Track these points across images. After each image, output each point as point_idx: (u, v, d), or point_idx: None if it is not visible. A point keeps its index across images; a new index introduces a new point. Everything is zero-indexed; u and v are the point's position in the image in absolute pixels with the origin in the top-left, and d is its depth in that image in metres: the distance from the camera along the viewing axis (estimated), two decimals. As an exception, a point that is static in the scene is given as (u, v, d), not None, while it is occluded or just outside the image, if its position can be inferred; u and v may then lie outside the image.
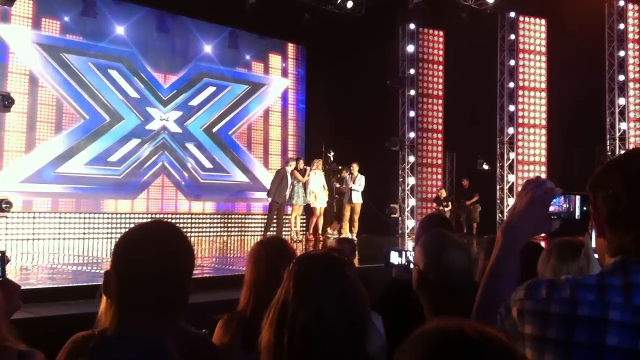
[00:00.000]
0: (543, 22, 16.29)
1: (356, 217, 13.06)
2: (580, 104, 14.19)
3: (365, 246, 10.41)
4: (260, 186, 14.96)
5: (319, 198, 12.58)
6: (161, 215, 13.10)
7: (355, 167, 13.05)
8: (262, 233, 12.95)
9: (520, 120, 16.04)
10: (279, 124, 16.08)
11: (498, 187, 16.15)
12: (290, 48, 16.38)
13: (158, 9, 13.77)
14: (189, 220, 14.04)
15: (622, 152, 10.73)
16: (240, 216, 15.07)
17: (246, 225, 15.03)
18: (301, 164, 12.70)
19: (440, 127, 16.56)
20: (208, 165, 14.66)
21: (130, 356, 1.24)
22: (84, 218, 12.63)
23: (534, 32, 16.29)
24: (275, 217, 12.45)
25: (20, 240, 11.35)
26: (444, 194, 15.80)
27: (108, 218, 12.95)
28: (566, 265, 2.26)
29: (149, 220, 2.04)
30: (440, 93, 16.57)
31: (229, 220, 14.83)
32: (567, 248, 2.31)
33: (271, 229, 12.29)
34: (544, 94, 16.16)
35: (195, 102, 14.52)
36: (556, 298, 1.25)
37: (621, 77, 15.14)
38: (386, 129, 16.05)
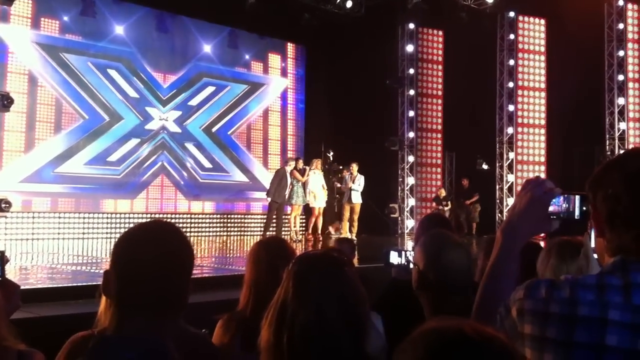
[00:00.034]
0: (542, 22, 16.30)
1: (356, 217, 13.05)
2: (580, 104, 14.20)
3: (364, 246, 10.42)
4: (259, 186, 14.96)
5: (318, 198, 12.57)
6: (160, 215, 13.10)
7: (354, 167, 13.05)
8: (261, 233, 12.95)
9: (519, 120, 16.05)
10: (278, 124, 16.08)
11: (497, 187, 16.16)
12: (290, 48, 16.38)
13: (157, 9, 13.77)
14: (189, 220, 14.04)
15: (622, 151, 10.74)
16: (239, 216, 15.07)
17: (245, 225, 15.03)
18: (300, 164, 12.70)
19: (439, 127, 16.57)
20: (207, 165, 14.66)
21: (129, 356, 1.23)
22: (84, 218, 12.62)
23: (533, 32, 16.29)
24: (274, 217, 12.44)
25: (20, 240, 11.34)
26: (443, 193, 15.80)
27: (107, 218, 12.95)
28: (566, 265, 2.26)
29: (148, 220, 2.04)
30: (440, 93, 16.57)
31: (229, 220, 14.84)
32: (567, 248, 2.31)
33: (270, 228, 12.29)
34: (543, 94, 16.17)
35: (194, 101, 14.52)
36: (556, 298, 1.25)
37: (620, 77, 15.15)
38: (386, 128, 16.05)
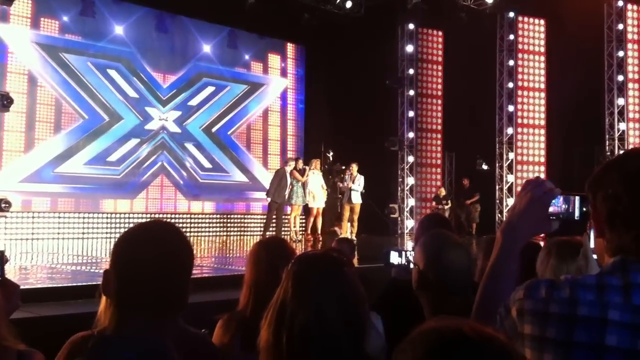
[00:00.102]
0: (542, 22, 16.30)
1: (355, 217, 13.05)
2: (580, 104, 14.19)
3: (364, 246, 10.42)
4: (259, 186, 14.96)
5: (317, 198, 12.57)
6: (160, 215, 13.10)
7: (354, 167, 13.05)
8: (261, 233, 12.95)
9: (519, 121, 16.05)
10: (278, 124, 16.08)
11: (497, 187, 16.16)
12: (290, 48, 16.38)
13: (157, 9, 13.77)
14: (188, 220, 14.04)
15: (622, 152, 10.75)
16: (239, 216, 15.07)
17: (245, 225, 15.03)
18: (300, 164, 12.69)
19: (439, 127, 16.57)
20: (207, 165, 14.66)
21: (129, 356, 1.23)
22: (83, 218, 12.62)
23: (533, 33, 16.30)
24: (274, 217, 12.44)
25: (20, 239, 11.34)
26: (443, 192, 15.79)
27: (107, 218, 12.95)
28: (566, 265, 2.26)
29: (148, 220, 2.04)
30: (440, 93, 16.57)
31: (228, 220, 14.83)
32: (566, 248, 2.32)
33: (270, 228, 12.28)
34: (543, 94, 16.17)
35: (194, 102, 14.52)
36: (556, 298, 1.25)
37: (620, 78, 15.15)
38: (385, 129, 16.05)
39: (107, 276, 1.51)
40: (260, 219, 14.25)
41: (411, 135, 16.34)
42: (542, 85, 16.18)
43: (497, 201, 16.10)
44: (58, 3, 12.55)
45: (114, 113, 13.24)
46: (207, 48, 14.72)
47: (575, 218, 1.47)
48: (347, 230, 13.00)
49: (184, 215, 14.04)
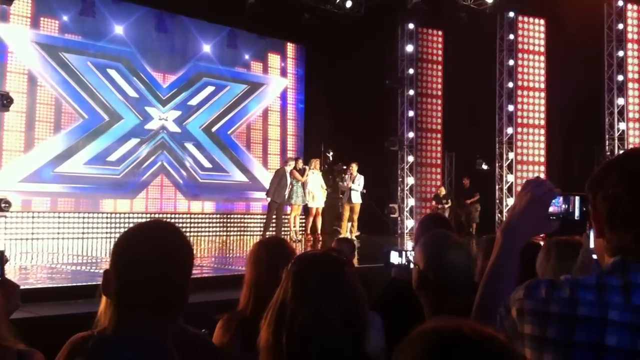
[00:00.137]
0: (542, 22, 16.30)
1: (355, 217, 13.06)
2: (580, 104, 14.20)
3: (364, 246, 10.43)
4: (259, 186, 14.96)
5: (317, 198, 12.58)
6: (160, 215, 13.10)
7: (354, 167, 13.05)
8: (261, 233, 12.95)
9: (519, 120, 16.05)
10: (278, 124, 16.08)
11: (497, 187, 16.16)
12: (290, 48, 16.38)
13: (157, 9, 13.77)
14: (188, 220, 14.04)
15: (621, 151, 10.74)
16: (239, 216, 15.07)
17: (245, 225, 15.03)
18: (300, 164, 12.70)
19: (439, 127, 16.56)
20: (207, 164, 14.66)
21: (128, 356, 1.23)
22: (83, 218, 12.62)
23: (533, 32, 16.30)
24: (274, 216, 12.44)
25: (19, 239, 11.34)
26: (443, 191, 15.80)
27: (107, 218, 12.94)
28: (566, 265, 2.26)
29: (148, 220, 2.04)
30: (440, 93, 16.57)
31: (228, 220, 14.83)
32: (566, 248, 2.31)
33: (270, 228, 12.28)
34: (543, 94, 16.17)
35: (194, 101, 14.52)
36: (556, 298, 1.25)
37: (620, 77, 15.15)
38: (385, 128, 16.05)
39: (107, 276, 1.51)
40: (260, 218, 14.25)
41: (411, 135, 16.35)
42: (542, 85, 16.18)
43: (497, 201, 16.10)
44: (58, 3, 12.55)
45: (114, 113, 13.24)
46: (207, 48, 14.72)
47: (575, 218, 1.47)
48: (347, 230, 13.01)
49: (184, 215, 14.04)
